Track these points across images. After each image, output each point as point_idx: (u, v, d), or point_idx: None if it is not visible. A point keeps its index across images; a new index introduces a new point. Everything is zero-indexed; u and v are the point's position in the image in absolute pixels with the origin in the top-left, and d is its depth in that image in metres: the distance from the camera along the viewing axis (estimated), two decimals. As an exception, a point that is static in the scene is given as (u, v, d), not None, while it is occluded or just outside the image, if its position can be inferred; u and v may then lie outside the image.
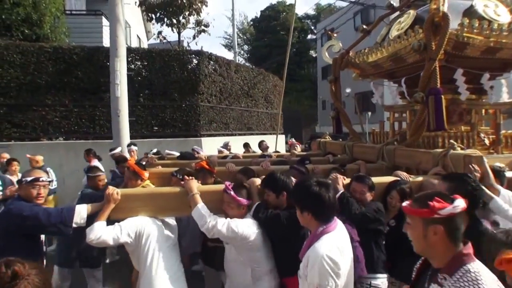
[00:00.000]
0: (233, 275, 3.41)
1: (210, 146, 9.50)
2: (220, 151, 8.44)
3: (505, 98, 5.05)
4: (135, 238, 3.16)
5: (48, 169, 7.20)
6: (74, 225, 3.13)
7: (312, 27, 43.47)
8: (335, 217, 2.40)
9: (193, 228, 4.18)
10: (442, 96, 4.14)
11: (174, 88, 11.32)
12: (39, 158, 7.26)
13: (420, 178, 3.87)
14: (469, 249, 1.76)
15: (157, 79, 11.22)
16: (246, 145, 9.76)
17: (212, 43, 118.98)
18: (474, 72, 4.54)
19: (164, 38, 17.01)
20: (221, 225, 3.05)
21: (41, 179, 3.25)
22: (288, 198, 3.28)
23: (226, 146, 9.10)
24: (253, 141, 10.49)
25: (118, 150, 7.69)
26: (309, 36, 43.74)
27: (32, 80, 9.98)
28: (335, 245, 2.22)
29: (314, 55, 42.47)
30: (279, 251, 3.30)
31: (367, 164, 5.08)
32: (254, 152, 9.00)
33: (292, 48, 39.49)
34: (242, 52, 45.15)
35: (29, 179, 3.20)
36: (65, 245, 4.76)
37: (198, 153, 7.11)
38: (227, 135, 12.85)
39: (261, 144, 9.24)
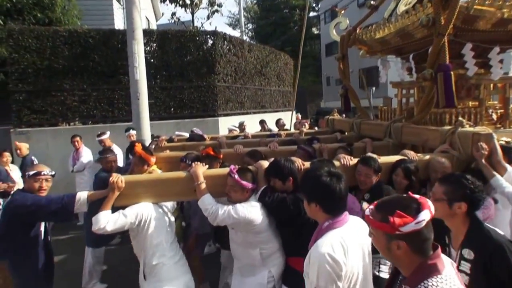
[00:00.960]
0: (241, 257, 3.42)
1: (227, 126, 9.59)
2: (230, 130, 8.68)
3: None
4: (138, 224, 3.21)
5: (33, 157, 7.37)
6: (75, 211, 3.25)
7: (314, 5, 43.00)
8: (346, 212, 2.21)
9: None
10: (452, 73, 4.12)
11: (191, 69, 11.32)
12: (25, 145, 7.31)
13: (427, 157, 3.88)
14: (435, 258, 1.62)
15: (174, 61, 11.17)
16: (262, 122, 10.00)
17: (216, 22, 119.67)
18: (483, 46, 4.48)
19: (178, 19, 17.00)
20: (222, 213, 3.08)
21: (42, 172, 3.35)
22: (294, 182, 3.31)
23: (240, 126, 9.31)
24: (267, 119, 10.64)
25: (106, 136, 7.83)
26: (311, 14, 43.31)
27: (49, 65, 9.96)
28: (340, 243, 2.01)
29: (316, 32, 42.16)
30: (285, 234, 3.32)
31: (374, 141, 5.11)
32: (270, 129, 9.24)
33: (294, 26, 39.49)
34: (246, 31, 45.02)
35: (31, 172, 3.32)
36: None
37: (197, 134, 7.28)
38: (243, 114, 12.97)
39: (278, 122, 9.58)
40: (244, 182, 3.21)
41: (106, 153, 5.23)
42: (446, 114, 4.66)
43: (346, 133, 6.32)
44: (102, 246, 5.30)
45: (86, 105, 10.40)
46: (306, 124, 9.21)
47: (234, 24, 44.54)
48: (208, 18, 17.23)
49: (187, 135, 7.20)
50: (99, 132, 7.97)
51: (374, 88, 21.48)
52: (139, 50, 8.11)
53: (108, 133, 7.95)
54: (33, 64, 9.86)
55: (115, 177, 3.24)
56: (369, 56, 6.64)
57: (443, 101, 4.15)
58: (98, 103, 10.49)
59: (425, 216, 1.56)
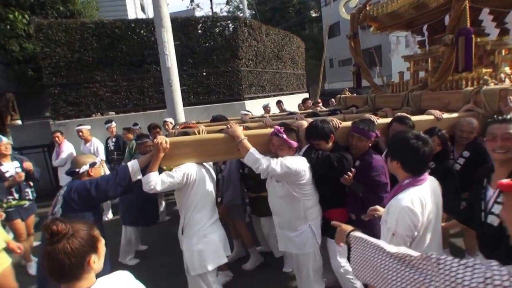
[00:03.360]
0: (283, 211, 3.60)
1: (253, 109, 9.69)
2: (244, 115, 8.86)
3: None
4: (185, 184, 3.35)
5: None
6: (133, 179, 3.23)
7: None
8: (427, 174, 2.36)
9: (235, 181, 4.61)
10: (473, 36, 4.10)
11: (216, 55, 11.51)
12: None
13: (455, 115, 3.99)
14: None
15: (199, 47, 11.36)
16: (279, 102, 10.39)
17: (216, 10, 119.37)
18: (498, 11, 4.40)
19: (198, 5, 17.18)
20: (275, 164, 3.23)
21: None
22: (335, 141, 3.54)
23: (265, 108, 9.72)
24: (285, 101, 10.97)
25: (86, 127, 7.83)
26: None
27: (80, 58, 10.12)
28: (419, 198, 2.21)
29: (313, 15, 41.96)
30: (325, 189, 3.58)
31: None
32: (284, 109, 9.66)
33: (293, 10, 39.14)
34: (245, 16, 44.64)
35: (91, 161, 3.30)
36: (135, 206, 5.33)
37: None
38: (264, 97, 13.27)
39: (305, 102, 9.91)
40: (291, 141, 3.41)
41: (144, 139, 5.46)
42: (462, 80, 4.67)
43: (359, 108, 6.32)
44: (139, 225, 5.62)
45: (118, 95, 10.65)
46: (320, 104, 9.72)
47: (232, 12, 44.41)
48: (227, 3, 17.35)
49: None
50: (77, 124, 8.01)
51: (378, 67, 21.87)
52: (168, 38, 8.26)
53: (88, 126, 7.97)
54: (65, 58, 10.03)
55: (160, 139, 3.31)
56: (380, 32, 6.65)
57: (462, 65, 4.17)
58: (130, 93, 10.74)
59: None
